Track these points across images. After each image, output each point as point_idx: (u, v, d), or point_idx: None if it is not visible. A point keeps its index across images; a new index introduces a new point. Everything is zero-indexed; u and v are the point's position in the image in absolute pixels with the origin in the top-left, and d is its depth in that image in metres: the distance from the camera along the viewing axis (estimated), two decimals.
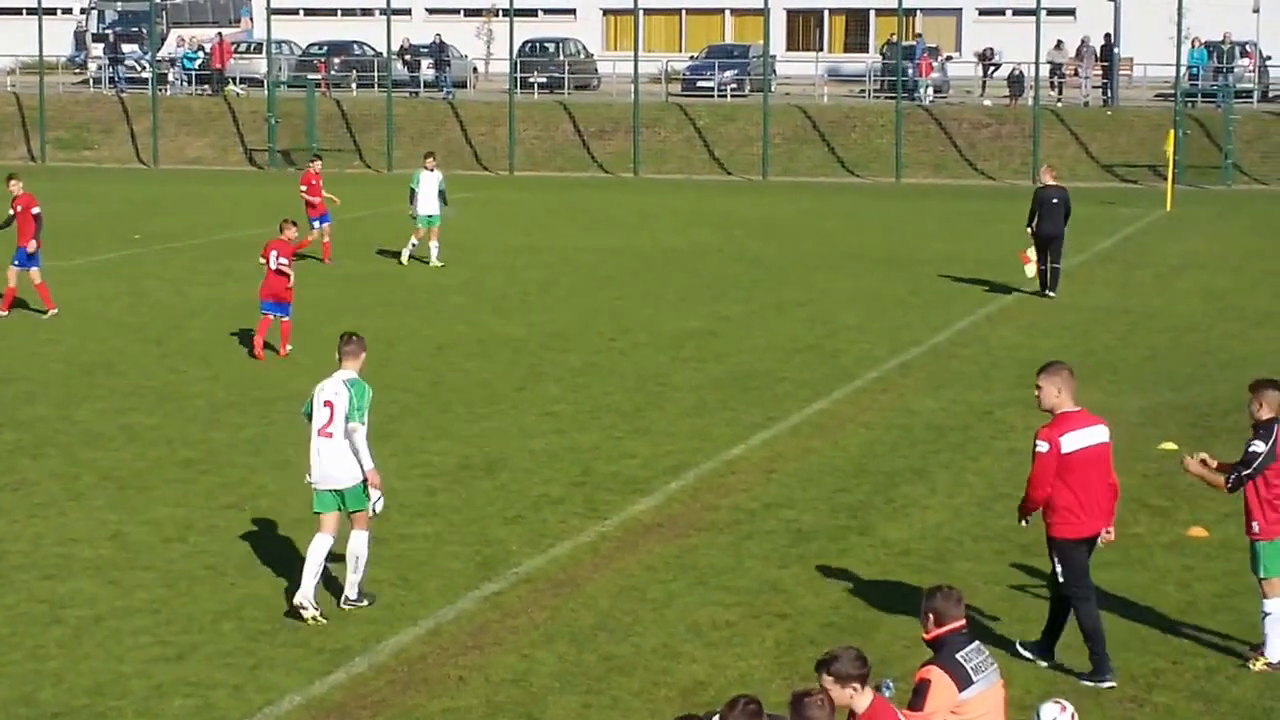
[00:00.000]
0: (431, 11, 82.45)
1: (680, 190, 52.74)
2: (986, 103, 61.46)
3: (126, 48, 70.59)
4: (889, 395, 23.61)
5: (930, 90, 63.58)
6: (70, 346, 26.92)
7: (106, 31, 74.74)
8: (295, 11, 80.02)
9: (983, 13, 78.35)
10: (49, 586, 15.54)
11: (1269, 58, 66.11)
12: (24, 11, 77.71)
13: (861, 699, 9.35)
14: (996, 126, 58.05)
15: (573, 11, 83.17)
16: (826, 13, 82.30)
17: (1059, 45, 64.03)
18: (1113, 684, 13.23)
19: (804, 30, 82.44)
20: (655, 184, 54.82)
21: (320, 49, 70.63)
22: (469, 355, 26.38)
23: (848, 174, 56.43)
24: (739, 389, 23.84)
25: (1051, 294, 31.43)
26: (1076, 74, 63.69)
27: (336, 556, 15.09)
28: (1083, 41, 63.75)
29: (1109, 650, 13.37)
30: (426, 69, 66.84)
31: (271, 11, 61.70)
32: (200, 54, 67.54)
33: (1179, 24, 55.73)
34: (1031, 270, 31.50)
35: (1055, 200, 31.56)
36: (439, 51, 66.73)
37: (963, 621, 10.20)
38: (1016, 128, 57.38)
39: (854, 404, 23.10)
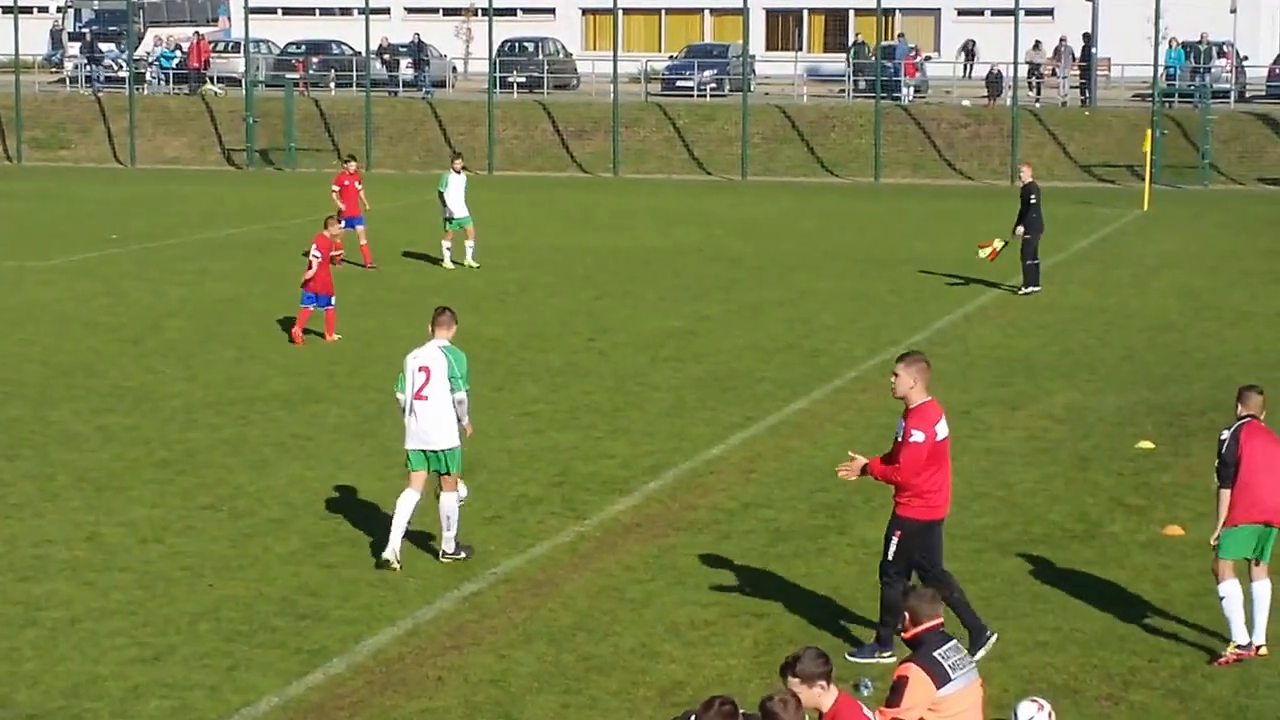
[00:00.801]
0: (410, 11, 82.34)
1: (660, 190, 52.74)
2: (965, 103, 61.53)
3: (104, 46, 70.40)
4: (868, 395, 23.63)
5: (911, 90, 63.66)
6: (47, 347, 26.84)
7: (83, 30, 74.48)
8: (273, 11, 79.86)
9: (961, 13, 78.45)
10: (24, 588, 15.49)
11: (1246, 58, 66.32)
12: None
13: (827, 697, 9.40)
14: (975, 126, 58.13)
15: (552, 11, 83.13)
16: (806, 13, 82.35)
17: (1037, 45, 64.14)
18: (891, 658, 13.40)
19: (783, 30, 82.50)
20: (635, 184, 54.82)
21: (298, 48, 70.50)
22: None
23: (827, 174, 56.47)
24: (718, 389, 23.84)
25: (1033, 289, 31.85)
26: (1054, 74, 63.80)
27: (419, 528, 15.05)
28: (1061, 41, 63.87)
29: (1085, 650, 13.39)
30: (405, 68, 66.74)
31: (249, 10, 61.56)
32: (178, 53, 67.37)
33: (1156, 24, 55.85)
34: (986, 254, 31.88)
35: (1034, 198, 31.95)
36: (418, 51, 66.64)
37: (939, 620, 10.22)
38: (995, 128, 57.48)
39: (833, 404, 23.11)
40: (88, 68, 68.26)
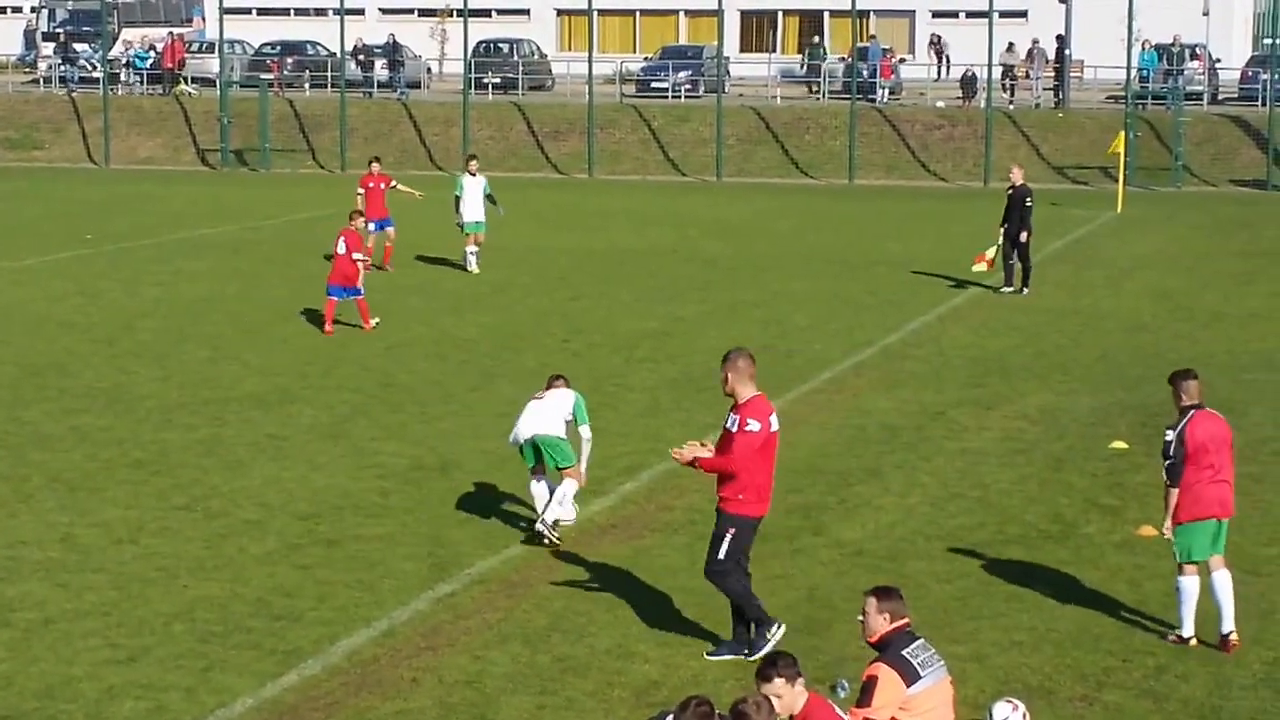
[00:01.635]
0: (385, 11, 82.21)
1: (635, 191, 52.76)
2: (939, 104, 61.65)
3: (78, 46, 70.20)
4: (842, 396, 23.67)
5: (886, 92, 63.76)
6: (20, 347, 26.75)
7: (57, 30, 74.28)
8: (248, 11, 79.66)
9: (935, 14, 78.58)
10: None
11: (1218, 60, 66.53)
12: None
13: (799, 699, 9.45)
14: (949, 128, 58.25)
15: (527, 12, 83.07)
16: (780, 14, 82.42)
17: (1011, 47, 64.30)
18: (782, 629, 13.70)
19: (758, 31, 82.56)
20: (610, 185, 54.83)
21: (273, 49, 70.36)
22: (422, 356, 26.33)
23: (801, 175, 56.54)
24: (693, 390, 23.85)
25: (1026, 290, 32.28)
26: (1028, 76, 63.95)
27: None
28: (1034, 43, 64.02)
29: (1060, 651, 13.42)
30: (380, 69, 66.67)
31: (224, 11, 61.44)
32: (152, 53, 67.17)
33: (1129, 27, 56.02)
34: (983, 266, 32.17)
35: (1029, 200, 32.36)
36: (393, 52, 66.56)
37: (905, 620, 10.25)
38: (969, 129, 57.59)
39: (808, 404, 23.14)
40: (62, 68, 68.06)
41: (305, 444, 20.77)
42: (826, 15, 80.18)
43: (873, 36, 69.52)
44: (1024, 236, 32.08)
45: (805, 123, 59.42)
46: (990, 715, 11.30)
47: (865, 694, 9.98)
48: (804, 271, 35.26)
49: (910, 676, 9.99)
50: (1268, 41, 68.78)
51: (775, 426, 13.74)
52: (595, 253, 38.13)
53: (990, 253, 32.23)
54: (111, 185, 53.14)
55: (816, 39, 72.32)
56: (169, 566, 16.06)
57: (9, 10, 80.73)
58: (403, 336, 27.91)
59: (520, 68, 68.08)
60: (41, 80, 70.13)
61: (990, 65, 57.07)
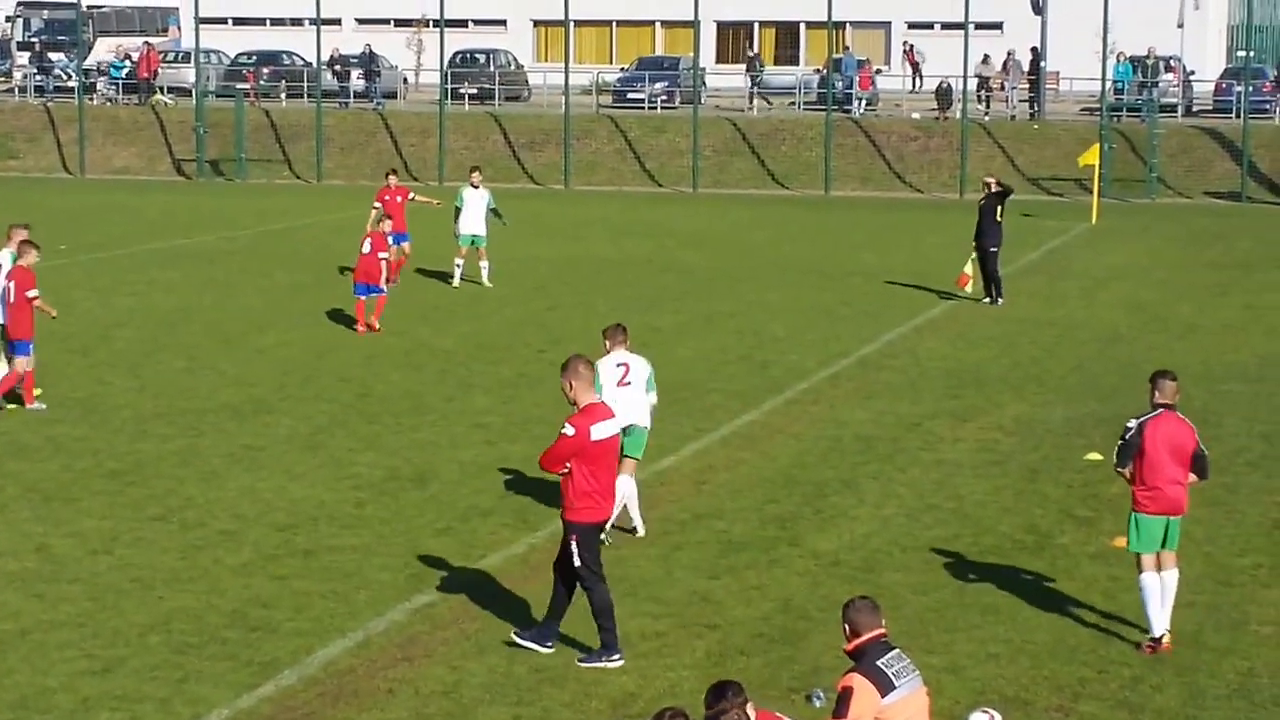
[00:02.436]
0: (361, 22, 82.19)
1: (611, 201, 52.79)
2: (915, 116, 61.80)
3: (53, 56, 70.04)
4: (818, 406, 23.71)
5: (862, 103, 63.89)
6: None
7: (32, 40, 74.10)
8: (224, 21, 79.55)
9: (911, 26, 78.80)
10: None
11: (1193, 73, 66.81)
12: None
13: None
14: (925, 139, 58.39)
15: (503, 22, 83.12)
16: (757, 25, 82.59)
17: (986, 59, 64.50)
18: (620, 661, 13.78)
19: (734, 43, 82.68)
20: (586, 195, 54.85)
21: (249, 59, 70.31)
22: (398, 366, 26.31)
23: (777, 186, 56.62)
24: (669, 400, 23.74)
25: (1001, 300, 32.40)
26: (1003, 88, 64.14)
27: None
28: (1009, 55, 64.22)
29: (1036, 662, 13.46)
30: (356, 79, 66.63)
31: (199, 21, 61.37)
32: (127, 63, 67.06)
33: (1104, 39, 56.23)
34: (966, 286, 32.50)
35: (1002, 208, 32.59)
36: (369, 62, 66.53)
37: (881, 630, 10.28)
38: (944, 141, 57.74)
39: (784, 415, 23.17)
40: (37, 77, 67.89)
41: (281, 454, 20.74)
42: (803, 26, 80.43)
43: (846, 48, 69.66)
44: (992, 250, 32.20)
45: (781, 134, 59.52)
46: None
47: (840, 704, 10.00)
48: (780, 282, 35.31)
49: (885, 687, 10.01)
50: (1242, 54, 69.11)
51: (600, 435, 13.81)
52: (571, 263, 38.14)
53: (969, 268, 32.38)
54: (87, 195, 53.03)
55: (754, 51, 72.34)
56: (144, 577, 16.03)
57: None
58: (380, 347, 27.89)
59: (497, 78, 68.11)
60: (16, 89, 69.97)
61: (965, 77, 57.22)
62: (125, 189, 55.42)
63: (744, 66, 69.09)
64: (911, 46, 72.44)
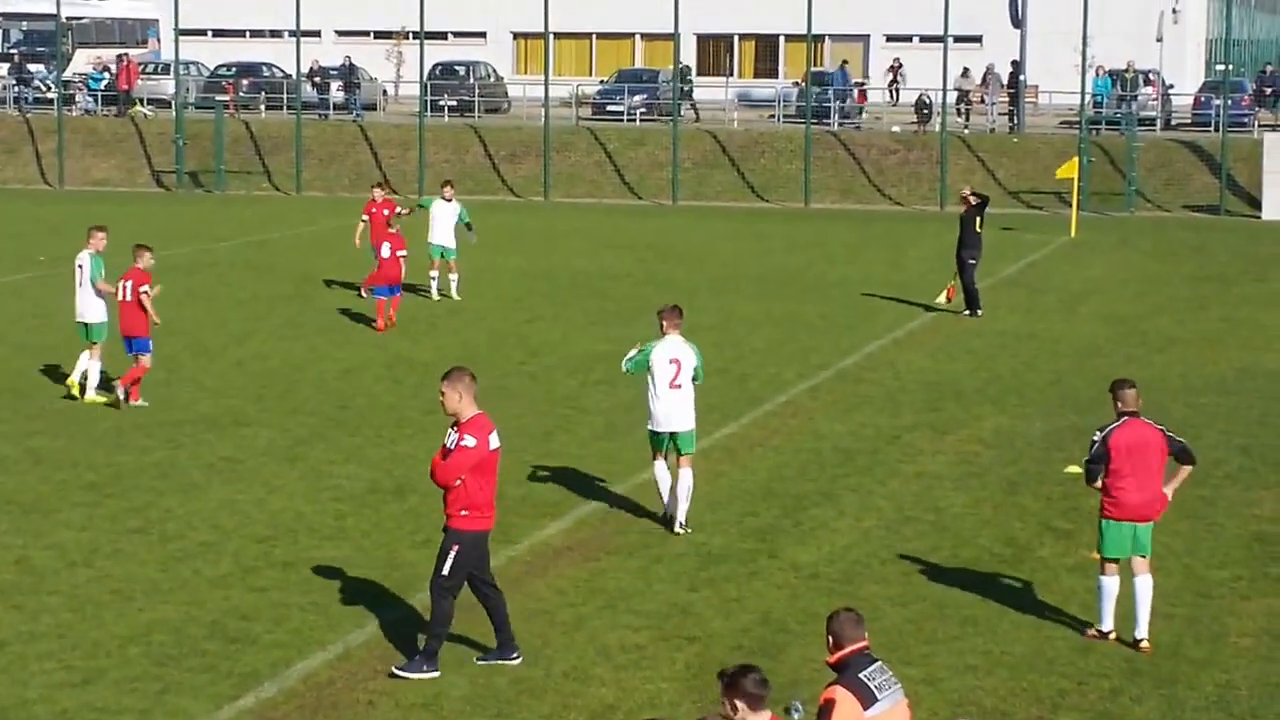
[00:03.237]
0: (341, 34, 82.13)
1: (591, 214, 52.81)
2: (894, 129, 61.92)
3: (32, 67, 69.89)
4: (798, 419, 23.74)
5: (839, 115, 63.98)
6: None
7: (11, 51, 73.93)
8: (203, 32, 79.44)
9: (890, 39, 78.95)
10: None
11: (1172, 86, 67.02)
12: None
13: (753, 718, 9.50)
14: (904, 153, 58.51)
15: (483, 35, 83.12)
16: (736, 38, 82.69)
17: (965, 73, 64.66)
18: (436, 674, 13.77)
19: (714, 55, 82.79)
20: (566, 207, 54.88)
21: (229, 70, 70.23)
22: (378, 379, 26.29)
23: (757, 199, 56.68)
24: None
25: (980, 312, 32.56)
26: (983, 101, 64.29)
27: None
28: (989, 69, 64.38)
29: (1015, 674, 13.48)
30: (336, 91, 66.60)
31: (179, 32, 61.28)
32: (106, 74, 66.94)
33: (1084, 52, 56.37)
34: (945, 298, 32.62)
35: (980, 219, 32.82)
36: (348, 74, 66.51)
37: (864, 643, 10.29)
38: (924, 154, 57.86)
39: (763, 427, 23.20)
40: (16, 88, 67.75)
41: (261, 466, 20.72)
42: (782, 39, 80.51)
43: (845, 62, 69.82)
44: (970, 262, 32.41)
45: (761, 147, 59.60)
46: None
47: (822, 716, 10.01)
48: (759, 294, 35.35)
49: (867, 699, 10.02)
50: (1220, 68, 69.37)
51: (495, 445, 13.86)
52: (551, 275, 38.15)
53: (953, 282, 32.62)
54: (66, 206, 52.90)
55: (686, 65, 72.20)
56: (124, 589, 16.00)
57: None
58: (359, 359, 27.87)
59: (476, 90, 68.11)
60: None
61: (945, 90, 57.37)
62: (104, 201, 55.28)
63: (723, 79, 69.07)
64: (900, 64, 72.45)
